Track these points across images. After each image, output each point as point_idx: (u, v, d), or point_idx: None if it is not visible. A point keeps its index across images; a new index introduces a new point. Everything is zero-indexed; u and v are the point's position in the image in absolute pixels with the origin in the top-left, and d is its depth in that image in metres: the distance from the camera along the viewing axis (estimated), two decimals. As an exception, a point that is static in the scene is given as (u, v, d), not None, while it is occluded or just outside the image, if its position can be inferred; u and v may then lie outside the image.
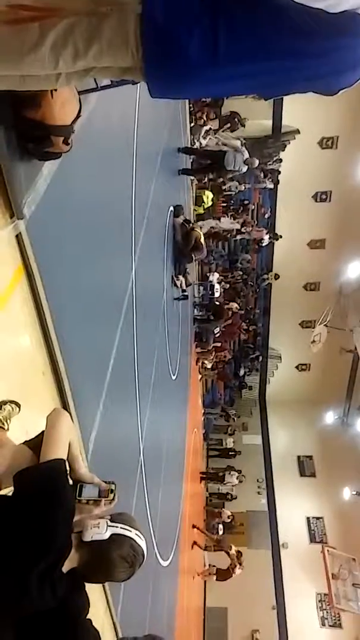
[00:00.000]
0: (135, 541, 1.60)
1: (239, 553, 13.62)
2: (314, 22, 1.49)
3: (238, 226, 15.47)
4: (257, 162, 11.45)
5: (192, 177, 12.47)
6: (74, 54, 1.59)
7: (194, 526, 13.74)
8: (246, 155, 11.02)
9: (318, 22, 1.49)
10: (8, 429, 2.48)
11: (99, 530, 1.56)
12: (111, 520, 1.60)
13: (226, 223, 15.10)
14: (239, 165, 10.77)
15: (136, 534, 1.61)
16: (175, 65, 1.58)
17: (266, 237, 17.19)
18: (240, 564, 13.39)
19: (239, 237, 16.57)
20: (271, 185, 16.86)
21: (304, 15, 1.48)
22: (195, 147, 12.19)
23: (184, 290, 10.64)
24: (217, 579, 13.89)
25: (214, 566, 14.16)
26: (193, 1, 1.53)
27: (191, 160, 11.84)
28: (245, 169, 11.14)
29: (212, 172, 11.81)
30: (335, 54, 1.54)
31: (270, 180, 16.58)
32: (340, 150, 17.10)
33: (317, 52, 1.54)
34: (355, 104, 15.41)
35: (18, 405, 2.55)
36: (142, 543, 1.62)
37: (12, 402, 2.53)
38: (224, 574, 13.65)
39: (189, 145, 11.68)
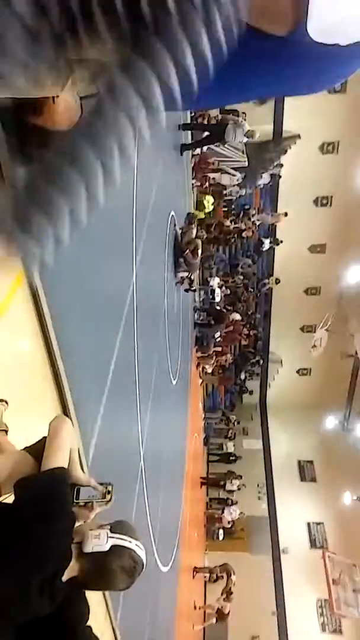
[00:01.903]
0: (135, 552, 1.59)
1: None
2: (315, 54, 1.56)
3: (240, 179, 15.19)
4: (257, 134, 11.54)
5: (193, 170, 12.46)
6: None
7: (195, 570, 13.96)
8: (247, 128, 11.05)
9: (319, 54, 1.55)
10: (7, 432, 2.49)
11: (100, 542, 1.55)
12: (111, 531, 1.60)
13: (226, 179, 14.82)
14: (239, 138, 10.84)
15: (136, 545, 1.61)
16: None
17: (267, 242, 17.20)
18: (229, 600, 13.51)
19: (244, 234, 16.32)
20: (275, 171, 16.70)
21: (305, 50, 1.54)
22: (194, 122, 12.17)
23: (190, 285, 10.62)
24: (216, 621, 14.01)
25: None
26: None
27: (191, 135, 11.82)
28: (245, 140, 11.24)
29: (212, 142, 11.82)
30: (324, 76, 1.63)
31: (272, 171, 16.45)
32: (341, 155, 17.13)
33: (308, 76, 1.64)
34: (356, 109, 15.46)
35: (6, 402, 2.56)
36: (142, 554, 1.62)
37: (1, 400, 2.55)
38: (222, 616, 13.77)
39: (189, 122, 11.65)
